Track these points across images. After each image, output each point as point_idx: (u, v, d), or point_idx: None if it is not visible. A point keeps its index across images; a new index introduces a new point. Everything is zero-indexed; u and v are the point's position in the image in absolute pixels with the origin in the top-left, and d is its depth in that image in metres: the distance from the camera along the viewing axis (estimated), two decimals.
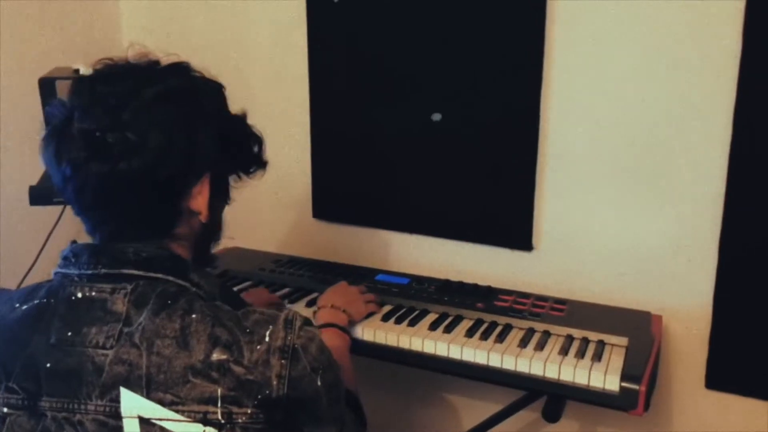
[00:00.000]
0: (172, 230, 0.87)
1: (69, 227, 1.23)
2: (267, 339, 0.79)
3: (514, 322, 1.38)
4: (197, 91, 0.88)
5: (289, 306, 1.45)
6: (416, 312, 1.42)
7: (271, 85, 1.82)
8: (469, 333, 1.32)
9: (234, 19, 1.82)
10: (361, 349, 1.33)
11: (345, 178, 1.78)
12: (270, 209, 1.90)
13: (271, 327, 0.81)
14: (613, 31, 1.43)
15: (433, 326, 1.35)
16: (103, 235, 0.85)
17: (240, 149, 0.94)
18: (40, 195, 1.39)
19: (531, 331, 1.35)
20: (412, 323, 1.37)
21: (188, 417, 0.76)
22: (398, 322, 1.37)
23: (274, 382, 0.78)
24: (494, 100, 1.55)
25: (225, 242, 1.85)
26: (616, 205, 1.51)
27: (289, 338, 0.80)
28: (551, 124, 1.52)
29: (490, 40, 1.53)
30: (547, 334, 1.34)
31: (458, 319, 1.39)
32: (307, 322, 0.84)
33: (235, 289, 1.53)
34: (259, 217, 1.92)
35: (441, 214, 1.68)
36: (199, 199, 0.87)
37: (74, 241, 0.86)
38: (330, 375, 0.84)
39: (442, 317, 1.40)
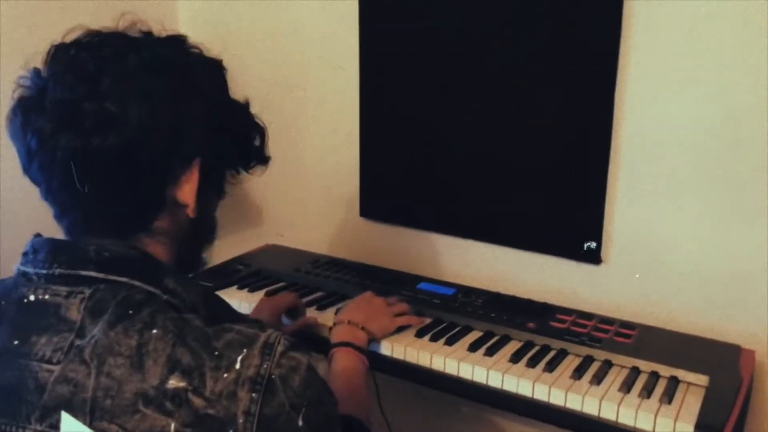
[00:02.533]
0: (151, 223, 0.75)
1: None
2: (238, 366, 0.66)
3: (570, 347, 1.19)
4: (190, 65, 0.77)
5: (317, 313, 1.31)
6: (457, 328, 1.25)
7: (321, 75, 1.70)
8: (515, 358, 1.14)
9: (288, 14, 1.72)
10: (389, 367, 1.18)
11: (396, 175, 1.64)
12: (316, 206, 1.79)
13: (245, 351, 0.67)
14: (702, 15, 1.20)
15: (474, 347, 1.18)
16: (71, 225, 0.75)
17: (237, 138, 0.81)
18: None
19: (589, 360, 1.15)
20: (449, 342, 1.20)
21: None
22: (434, 339, 1.21)
23: (240, 420, 0.64)
24: (562, 92, 1.36)
25: (272, 238, 1.80)
26: (702, 216, 1.28)
27: (265, 366, 0.66)
28: (627, 120, 1.31)
29: (559, 31, 1.34)
30: (608, 365, 1.14)
31: (504, 340, 1.22)
32: (294, 346, 0.69)
33: (267, 290, 1.41)
34: (304, 213, 1.81)
35: (499, 219, 1.50)
36: (186, 189, 0.75)
37: (38, 234, 0.75)
38: (317, 414, 0.69)
39: (486, 336, 1.23)
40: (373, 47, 1.59)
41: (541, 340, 1.21)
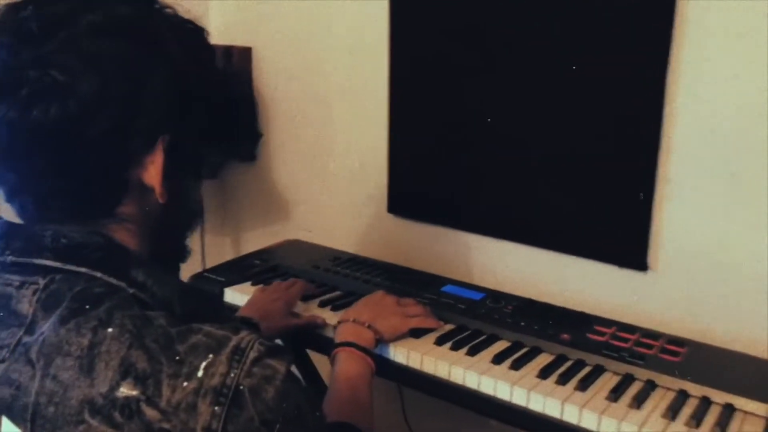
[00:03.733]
0: (114, 208, 0.67)
1: None
2: (200, 374, 0.56)
3: (608, 363, 1.05)
4: (156, 28, 0.67)
5: (331, 314, 1.21)
6: (482, 337, 1.14)
7: (350, 69, 1.62)
8: (544, 373, 1.02)
9: (318, 7, 1.64)
10: (404, 377, 1.08)
11: (426, 170, 1.54)
12: (343, 201, 1.70)
13: (210, 356, 0.57)
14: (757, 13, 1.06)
15: (498, 359, 1.06)
16: (21, 209, 0.67)
17: (215, 113, 0.72)
18: None
19: (629, 379, 1.02)
20: (472, 351, 1.08)
21: None
22: (455, 348, 1.09)
23: None
24: (608, 83, 1.24)
25: (300, 234, 1.72)
26: (765, 218, 1.13)
27: (232, 375, 0.57)
28: (679, 108, 1.18)
29: (607, 27, 1.22)
30: (651, 386, 1.00)
31: (534, 353, 1.09)
32: (270, 352, 0.59)
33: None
34: (331, 209, 1.73)
35: (535, 218, 1.39)
36: (152, 170, 0.66)
37: None
38: (293, 431, 0.59)
39: (514, 347, 1.11)
40: (403, 38, 1.50)
41: (575, 354, 1.08)
